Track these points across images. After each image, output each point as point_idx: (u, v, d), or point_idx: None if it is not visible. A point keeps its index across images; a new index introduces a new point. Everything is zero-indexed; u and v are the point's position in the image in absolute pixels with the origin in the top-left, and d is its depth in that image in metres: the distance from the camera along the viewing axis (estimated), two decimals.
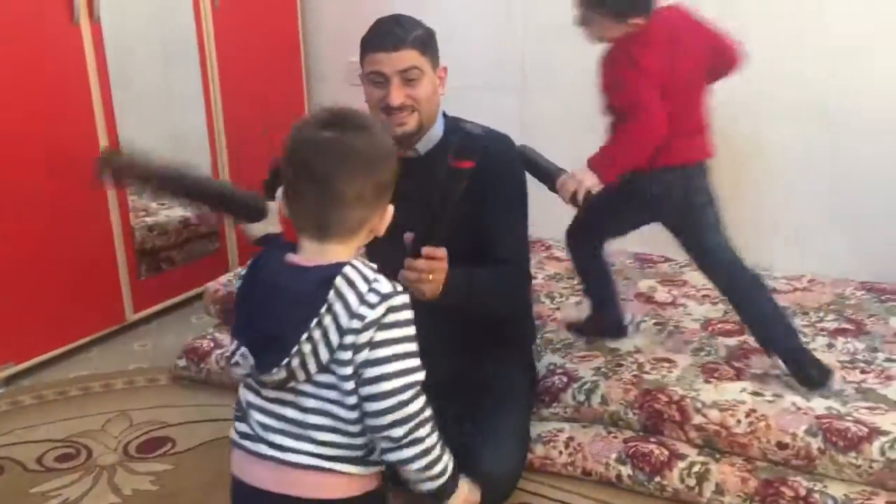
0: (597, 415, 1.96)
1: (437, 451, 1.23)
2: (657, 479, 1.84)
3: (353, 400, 1.18)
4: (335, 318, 1.14)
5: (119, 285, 2.67)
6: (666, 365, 2.03)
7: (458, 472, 1.28)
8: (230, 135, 2.94)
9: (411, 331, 1.19)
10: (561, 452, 1.92)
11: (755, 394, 1.89)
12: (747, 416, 1.81)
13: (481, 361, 1.91)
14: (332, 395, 1.18)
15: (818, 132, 2.51)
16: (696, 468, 1.82)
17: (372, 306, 1.15)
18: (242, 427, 1.26)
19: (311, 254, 1.19)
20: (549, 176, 1.90)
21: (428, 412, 1.21)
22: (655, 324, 2.26)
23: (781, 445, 1.77)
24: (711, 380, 1.95)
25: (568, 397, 1.98)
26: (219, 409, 2.24)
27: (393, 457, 1.20)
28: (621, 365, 2.04)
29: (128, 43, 2.76)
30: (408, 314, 1.18)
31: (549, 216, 2.80)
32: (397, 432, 1.17)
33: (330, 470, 1.21)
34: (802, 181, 2.57)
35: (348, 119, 1.19)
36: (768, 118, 2.56)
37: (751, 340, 2.09)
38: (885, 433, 1.72)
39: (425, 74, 1.76)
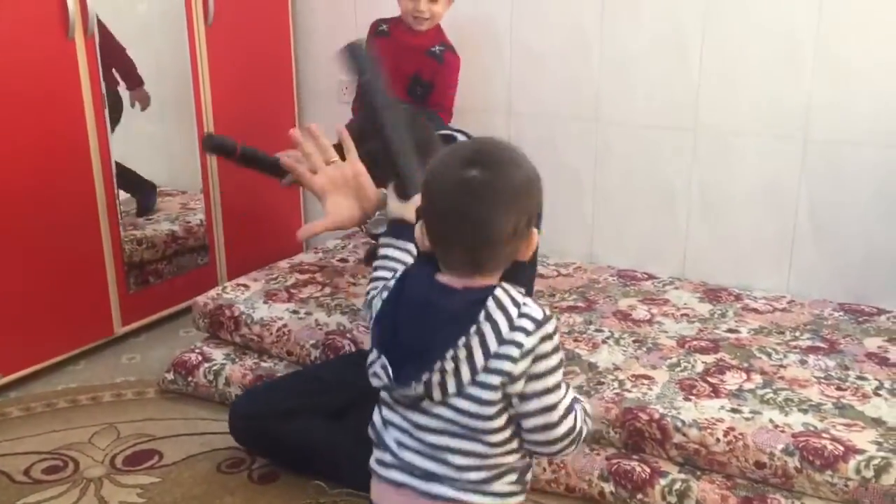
0: None
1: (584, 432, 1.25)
2: (639, 496, 1.87)
3: (497, 424, 1.16)
4: (482, 340, 1.12)
5: (108, 298, 2.68)
6: (645, 382, 2.07)
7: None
8: None
9: (561, 355, 1.18)
10: (545, 469, 1.95)
11: (734, 411, 1.92)
12: (725, 434, 1.85)
13: None
14: (471, 422, 1.15)
15: (794, 149, 2.57)
16: (677, 485, 1.86)
17: (528, 333, 1.13)
18: (379, 454, 1.26)
19: (458, 279, 1.19)
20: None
21: (588, 408, 1.27)
22: (634, 341, 2.29)
23: (759, 465, 1.81)
24: (690, 397, 1.98)
25: None
26: (206, 423, 2.26)
27: (557, 458, 1.31)
28: (602, 383, 2.07)
29: None
30: (557, 339, 1.16)
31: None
32: (568, 450, 1.21)
33: (464, 502, 1.19)
34: (780, 200, 2.62)
35: (493, 154, 1.16)
36: (746, 135, 2.62)
37: (727, 357, 2.14)
38: (861, 451, 1.76)
39: None
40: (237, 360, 2.40)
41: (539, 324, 1.14)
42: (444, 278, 1.20)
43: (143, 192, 3.01)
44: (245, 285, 2.58)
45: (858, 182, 2.50)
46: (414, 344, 1.16)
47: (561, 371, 1.17)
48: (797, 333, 2.32)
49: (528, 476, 1.27)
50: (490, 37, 2.92)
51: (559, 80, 2.85)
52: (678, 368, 2.13)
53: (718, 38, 2.57)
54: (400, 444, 1.22)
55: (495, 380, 1.13)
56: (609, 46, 2.75)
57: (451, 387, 1.13)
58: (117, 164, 2.64)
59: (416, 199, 1.34)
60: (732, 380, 2.06)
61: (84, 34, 2.46)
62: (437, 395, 1.15)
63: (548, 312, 1.16)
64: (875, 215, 2.50)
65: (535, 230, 1.19)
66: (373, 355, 1.23)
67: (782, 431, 1.84)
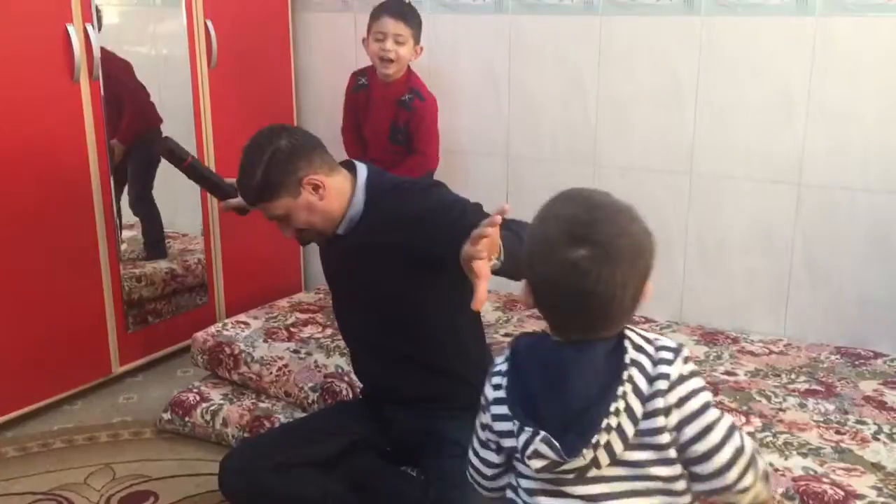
0: None
1: (768, 470, 1.16)
2: None
3: (678, 470, 1.09)
4: (635, 388, 1.06)
5: (106, 337, 2.68)
6: None
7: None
8: None
9: (702, 378, 1.13)
10: None
11: None
12: None
13: (443, 418, 1.92)
14: (652, 470, 1.08)
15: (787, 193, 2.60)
16: None
17: (670, 363, 1.09)
18: None
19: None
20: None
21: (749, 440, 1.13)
22: None
23: None
24: None
25: None
26: (202, 464, 2.25)
27: (746, 500, 1.10)
28: None
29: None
30: (692, 364, 1.12)
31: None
32: (747, 481, 1.09)
33: None
34: (775, 244, 2.64)
35: (598, 226, 1.08)
36: (740, 180, 2.65)
37: (726, 400, 2.15)
38: (862, 497, 1.76)
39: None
40: (235, 399, 2.39)
41: (676, 352, 1.11)
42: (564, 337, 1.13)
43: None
44: (245, 323, 2.58)
45: (852, 226, 2.53)
46: (567, 411, 1.07)
47: (708, 392, 1.11)
48: (793, 376, 2.33)
49: None
50: (489, 81, 2.97)
51: (557, 125, 2.89)
52: None
53: (713, 84, 2.62)
54: None
55: (659, 421, 1.07)
56: (605, 91, 2.79)
57: (618, 445, 1.06)
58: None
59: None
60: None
61: (89, 77, 2.50)
62: (604, 459, 1.06)
63: (682, 350, 1.13)
64: (869, 259, 2.53)
65: (649, 283, 1.12)
66: (518, 439, 1.11)
67: (783, 475, 1.83)
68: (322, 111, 3.34)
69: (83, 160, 2.53)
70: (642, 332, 1.13)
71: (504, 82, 2.96)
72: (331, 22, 3.24)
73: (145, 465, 2.26)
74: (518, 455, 1.12)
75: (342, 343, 2.44)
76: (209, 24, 2.85)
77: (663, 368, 1.08)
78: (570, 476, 1.08)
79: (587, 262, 1.06)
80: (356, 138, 2.78)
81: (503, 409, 1.14)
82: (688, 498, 1.12)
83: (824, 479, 1.81)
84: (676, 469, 1.09)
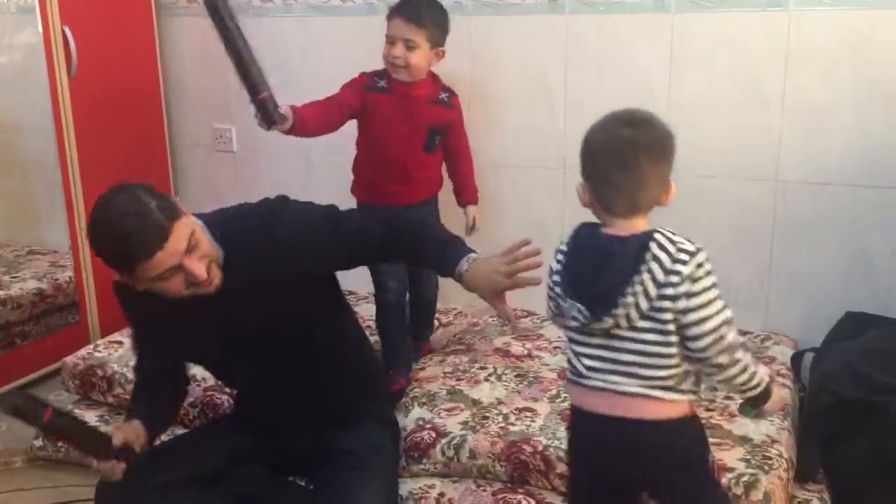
0: (466, 469, 2.01)
1: (752, 367, 1.49)
2: None
3: (673, 339, 1.45)
4: (652, 275, 1.42)
5: None
6: (528, 414, 2.12)
7: (771, 379, 1.56)
8: (89, 205, 2.85)
9: (715, 278, 1.44)
10: None
11: None
12: None
13: (336, 429, 1.92)
14: (653, 337, 1.45)
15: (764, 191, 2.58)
16: None
17: (684, 263, 1.42)
18: (575, 365, 1.55)
19: (622, 228, 1.48)
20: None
21: (741, 338, 1.47)
22: (516, 375, 2.34)
23: None
24: None
25: (437, 453, 2.02)
26: (78, 490, 2.16)
27: (720, 377, 1.49)
28: (487, 417, 2.11)
29: None
30: (710, 265, 1.44)
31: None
32: (723, 360, 1.45)
33: (653, 397, 1.49)
34: (754, 241, 2.60)
35: (641, 117, 1.49)
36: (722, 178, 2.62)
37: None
38: (731, 469, 1.85)
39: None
40: (111, 420, 2.31)
41: (692, 254, 1.43)
42: (611, 231, 1.49)
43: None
44: (119, 342, 2.49)
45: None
46: (601, 287, 1.45)
47: (715, 290, 1.43)
48: None
49: (703, 386, 1.55)
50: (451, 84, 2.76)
51: (524, 130, 2.81)
52: (558, 399, 2.18)
53: (686, 83, 2.59)
54: (594, 368, 1.51)
55: (667, 304, 1.43)
56: (572, 94, 2.72)
57: (634, 315, 1.44)
58: None
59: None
60: None
61: None
62: (624, 323, 1.45)
63: (699, 245, 1.45)
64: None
65: (672, 186, 1.49)
66: (562, 303, 1.51)
67: None
68: (196, 118, 3.26)
69: None
70: (670, 234, 1.45)
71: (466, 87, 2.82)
72: (199, 26, 3.15)
73: (17, 495, 2.16)
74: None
75: None
76: (67, 31, 2.73)
77: (678, 267, 1.42)
78: (597, 332, 1.49)
79: (633, 137, 1.46)
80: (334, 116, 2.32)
81: (557, 279, 1.54)
82: (679, 367, 1.48)
83: None
84: (671, 339, 1.45)
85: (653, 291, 1.43)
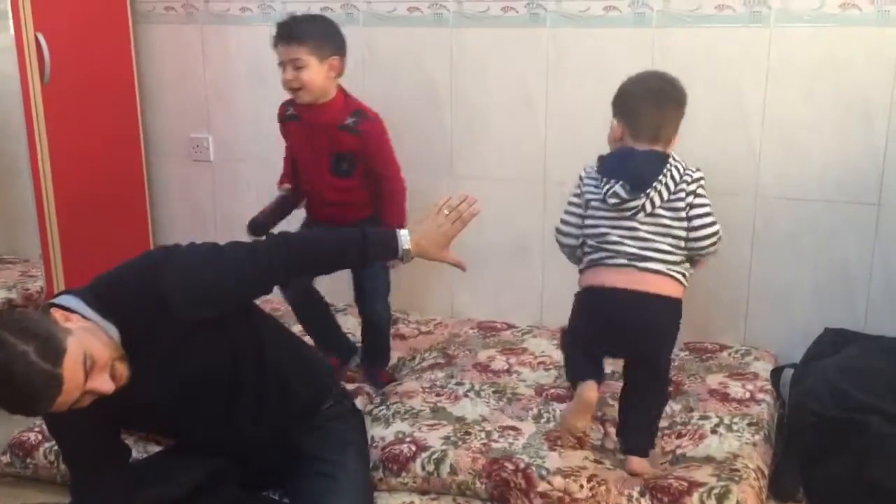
0: (445, 485, 1.98)
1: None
2: None
3: (685, 225, 1.93)
4: (671, 176, 1.91)
5: None
6: (512, 433, 2.10)
7: None
8: (62, 214, 2.81)
9: (709, 199, 1.95)
10: None
11: (597, 462, 1.98)
12: (589, 480, 1.89)
13: (302, 434, 1.90)
14: (670, 222, 1.92)
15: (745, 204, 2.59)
16: None
17: (692, 177, 1.93)
18: (601, 255, 1.96)
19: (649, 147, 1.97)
20: None
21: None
22: (494, 392, 2.33)
23: None
24: (556, 448, 2.02)
25: (417, 467, 2.00)
26: None
27: (704, 253, 1.96)
28: (469, 433, 2.09)
29: None
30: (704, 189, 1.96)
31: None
32: (711, 249, 1.96)
33: (670, 275, 1.93)
34: (733, 256, 2.58)
35: (670, 76, 2.01)
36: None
37: None
38: (703, 484, 1.86)
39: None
40: None
41: (696, 180, 1.94)
42: (639, 146, 1.96)
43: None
44: None
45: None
46: (638, 170, 1.91)
47: (709, 204, 1.95)
48: None
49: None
50: (432, 98, 2.85)
51: (505, 142, 2.80)
52: (542, 420, 2.18)
53: None
54: (620, 251, 1.93)
55: (681, 195, 1.92)
56: (553, 107, 2.71)
57: (657, 201, 1.90)
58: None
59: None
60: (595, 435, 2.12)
61: None
62: (648, 207, 1.91)
63: (700, 173, 1.95)
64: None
65: (679, 134, 1.98)
66: (602, 189, 1.95)
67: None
68: (172, 127, 3.22)
69: None
70: (681, 161, 1.95)
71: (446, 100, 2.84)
72: (175, 34, 3.12)
73: None
74: (600, 199, 1.96)
75: None
76: (40, 37, 2.68)
77: (688, 176, 1.93)
78: (628, 214, 1.92)
79: (662, 91, 1.98)
80: (290, 168, 2.47)
81: (593, 177, 1.99)
82: (683, 256, 1.95)
83: (669, 477, 1.90)
84: (684, 225, 1.93)
85: (671, 186, 1.90)
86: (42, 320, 1.52)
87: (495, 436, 2.08)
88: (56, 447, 2.21)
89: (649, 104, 1.94)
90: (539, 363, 2.51)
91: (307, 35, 2.24)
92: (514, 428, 2.12)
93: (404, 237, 1.83)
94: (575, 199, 2.03)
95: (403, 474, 2.01)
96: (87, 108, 2.89)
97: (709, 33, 2.51)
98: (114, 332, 1.60)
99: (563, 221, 2.05)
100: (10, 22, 2.62)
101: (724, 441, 2.05)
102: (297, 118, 2.37)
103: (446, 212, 1.87)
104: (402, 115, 2.65)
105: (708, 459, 1.98)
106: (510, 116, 2.76)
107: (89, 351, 1.50)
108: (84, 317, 1.58)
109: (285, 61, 2.25)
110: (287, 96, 2.36)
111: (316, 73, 2.25)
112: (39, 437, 2.24)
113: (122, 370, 1.58)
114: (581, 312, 2.02)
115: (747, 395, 2.28)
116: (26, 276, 2.94)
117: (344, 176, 2.34)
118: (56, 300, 1.63)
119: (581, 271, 2.02)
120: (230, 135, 3.14)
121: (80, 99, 2.86)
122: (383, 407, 2.26)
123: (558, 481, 1.89)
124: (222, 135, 3.16)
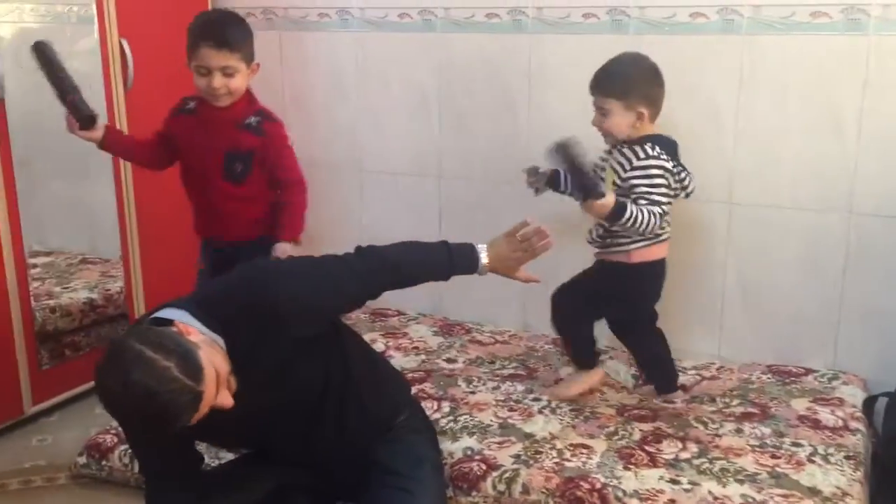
0: None
1: None
2: None
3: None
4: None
5: (17, 375, 2.53)
6: (584, 451, 2.04)
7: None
8: (142, 216, 2.86)
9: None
10: None
11: (672, 482, 1.91)
12: None
13: (378, 446, 1.89)
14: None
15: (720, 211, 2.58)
16: None
17: (641, 158, 2.07)
18: (667, 230, 2.18)
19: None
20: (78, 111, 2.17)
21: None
22: (571, 409, 2.26)
23: None
24: (630, 466, 1.97)
25: (488, 486, 1.96)
26: None
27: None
28: (540, 452, 2.04)
29: (33, 120, 2.68)
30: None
31: (467, 299, 2.85)
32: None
33: None
34: (823, 275, 2.53)
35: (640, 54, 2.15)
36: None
37: (663, 426, 2.13)
38: None
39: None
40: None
41: (648, 157, 2.09)
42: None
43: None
44: None
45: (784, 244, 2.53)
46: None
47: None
48: (727, 400, 2.32)
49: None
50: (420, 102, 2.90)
51: (493, 146, 2.84)
52: (616, 437, 2.11)
53: (755, 107, 2.52)
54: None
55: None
56: (536, 114, 2.75)
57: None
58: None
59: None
60: (669, 449, 2.05)
61: None
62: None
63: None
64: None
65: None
66: (681, 171, 2.17)
67: (722, 503, 1.83)
68: None
69: None
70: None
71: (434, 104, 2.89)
72: (262, 39, 3.12)
73: None
74: (678, 186, 2.16)
75: None
76: (124, 43, 2.72)
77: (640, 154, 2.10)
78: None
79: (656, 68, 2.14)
80: (154, 145, 2.38)
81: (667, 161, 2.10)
82: None
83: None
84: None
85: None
86: (174, 335, 1.50)
87: (567, 454, 2.03)
88: (130, 451, 2.24)
89: (660, 84, 2.11)
90: (623, 388, 2.44)
91: (239, 41, 2.16)
92: (585, 446, 2.07)
93: (482, 251, 1.83)
94: (669, 191, 2.12)
95: (474, 493, 1.97)
96: (167, 111, 2.92)
97: (683, 41, 2.50)
98: (222, 345, 1.59)
99: (666, 211, 2.11)
100: (96, 27, 2.67)
101: (827, 474, 1.93)
102: (193, 112, 2.29)
103: (518, 247, 1.87)
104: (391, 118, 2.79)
105: (812, 491, 1.88)
106: (495, 120, 2.81)
107: (215, 366, 1.50)
108: (199, 331, 1.56)
109: (212, 67, 2.13)
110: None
111: (244, 79, 2.20)
112: (115, 439, 2.27)
113: (233, 384, 1.56)
114: (658, 279, 2.23)
115: (840, 423, 2.17)
116: (106, 276, 2.99)
117: (236, 181, 2.24)
118: (160, 313, 1.60)
119: (646, 245, 2.14)
120: (305, 141, 3.14)
121: (162, 104, 2.89)
122: (451, 419, 2.22)
123: None
124: (298, 141, 3.15)
